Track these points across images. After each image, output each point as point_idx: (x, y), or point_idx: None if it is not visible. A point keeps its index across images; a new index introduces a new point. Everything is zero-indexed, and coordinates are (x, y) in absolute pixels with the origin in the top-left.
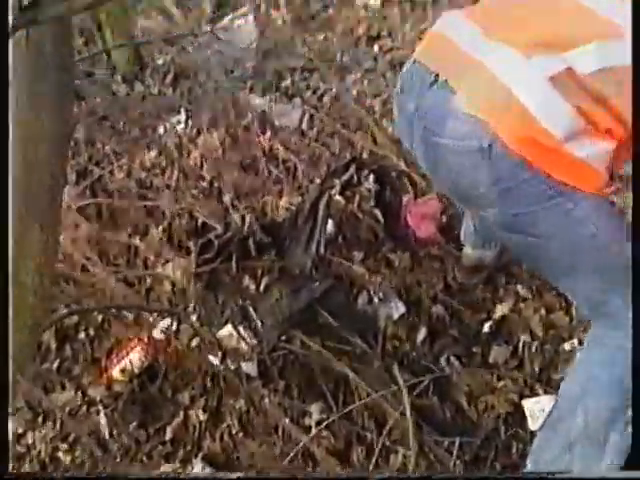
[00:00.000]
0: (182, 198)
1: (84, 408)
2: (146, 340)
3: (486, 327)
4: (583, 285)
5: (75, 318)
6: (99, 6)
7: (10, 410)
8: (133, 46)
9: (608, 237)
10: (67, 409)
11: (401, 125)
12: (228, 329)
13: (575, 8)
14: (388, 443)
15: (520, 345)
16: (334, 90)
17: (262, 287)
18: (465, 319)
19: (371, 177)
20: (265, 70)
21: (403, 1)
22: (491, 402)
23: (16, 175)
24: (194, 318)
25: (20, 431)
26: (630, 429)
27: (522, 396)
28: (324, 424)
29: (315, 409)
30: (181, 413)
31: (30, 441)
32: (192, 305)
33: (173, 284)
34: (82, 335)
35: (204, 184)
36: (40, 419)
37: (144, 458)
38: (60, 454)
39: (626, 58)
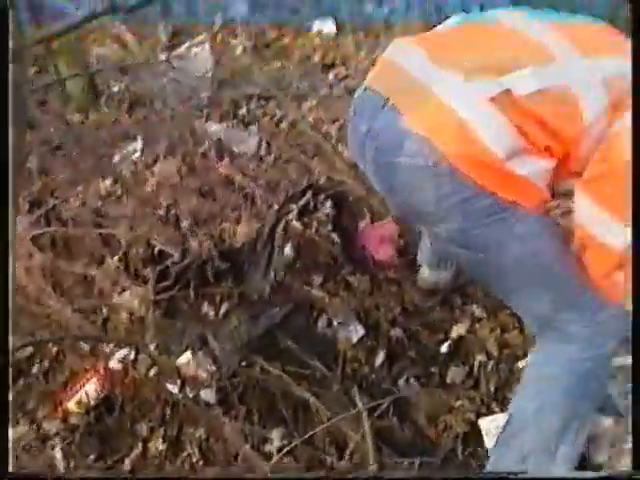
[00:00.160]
0: (138, 226)
1: (39, 442)
2: (102, 371)
3: (443, 348)
4: (530, 302)
5: (29, 350)
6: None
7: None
8: (87, 75)
9: (551, 254)
10: (21, 444)
11: (354, 147)
12: (187, 356)
13: (509, 34)
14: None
15: (476, 365)
16: (291, 117)
17: (221, 313)
18: (423, 340)
19: (328, 202)
20: (222, 98)
21: (357, 30)
22: (449, 422)
23: None
24: (152, 347)
25: None
26: (581, 439)
27: (479, 415)
28: (285, 450)
29: (276, 435)
30: (140, 444)
31: None
32: (150, 334)
33: (130, 313)
34: (36, 368)
35: (161, 211)
36: None
37: None
38: None
39: (560, 79)
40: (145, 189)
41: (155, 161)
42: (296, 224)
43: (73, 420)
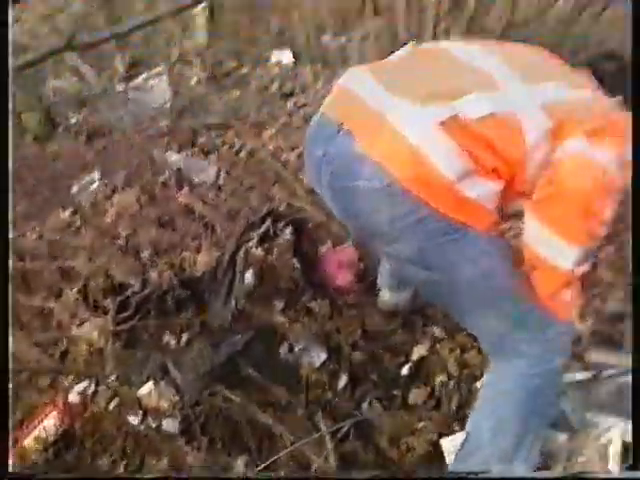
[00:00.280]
0: (98, 257)
1: None
2: (61, 405)
3: (405, 370)
4: (483, 321)
5: None
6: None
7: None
8: (44, 107)
9: (502, 275)
10: None
11: (311, 172)
12: (148, 387)
13: (456, 62)
14: None
15: (437, 385)
16: (250, 145)
17: (182, 342)
18: (385, 363)
19: (288, 228)
20: (180, 128)
21: (315, 60)
22: (412, 443)
23: None
24: (112, 378)
25: None
26: (534, 454)
27: (441, 435)
28: (249, 478)
29: (240, 463)
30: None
31: None
32: (110, 365)
33: (90, 345)
34: None
35: (120, 242)
36: None
37: None
38: None
39: (504, 105)
40: (104, 220)
41: (114, 191)
42: (257, 251)
43: (31, 457)
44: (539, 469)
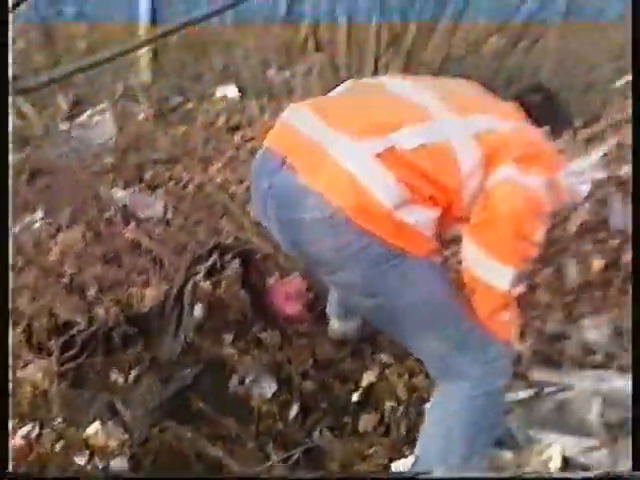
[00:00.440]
0: (41, 296)
1: None
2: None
3: (355, 397)
4: (426, 345)
5: None
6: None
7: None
8: None
9: (441, 298)
10: None
11: (257, 204)
12: (95, 427)
13: (393, 96)
14: None
15: (387, 410)
16: (198, 180)
17: (131, 379)
18: (335, 391)
19: (235, 261)
20: (126, 164)
21: (261, 94)
22: (363, 470)
23: None
24: (59, 420)
25: None
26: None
27: (391, 460)
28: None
29: None
30: None
31: None
32: (56, 407)
33: (34, 387)
34: None
35: (65, 280)
36: None
37: None
38: None
39: (438, 136)
40: (48, 258)
41: (58, 230)
42: (205, 284)
43: None
44: None
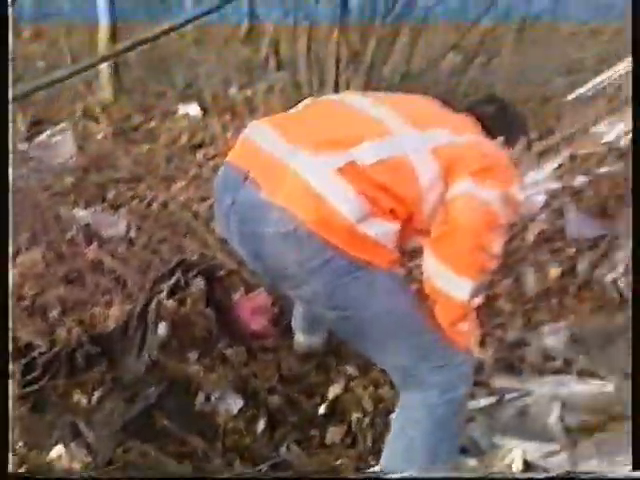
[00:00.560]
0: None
1: None
2: None
3: (321, 409)
4: (390, 355)
5: None
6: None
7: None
8: None
9: (404, 309)
10: None
11: (220, 220)
12: (58, 450)
13: (352, 112)
14: None
15: (354, 422)
16: (161, 198)
17: (94, 400)
18: (302, 405)
19: (199, 278)
20: (87, 183)
21: (223, 112)
22: None
23: None
24: (20, 444)
25: None
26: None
27: (358, 470)
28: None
29: None
30: None
31: None
32: (17, 431)
33: None
34: None
35: (26, 302)
36: None
37: None
38: None
39: (397, 150)
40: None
41: (18, 252)
42: (169, 302)
43: None
44: None
